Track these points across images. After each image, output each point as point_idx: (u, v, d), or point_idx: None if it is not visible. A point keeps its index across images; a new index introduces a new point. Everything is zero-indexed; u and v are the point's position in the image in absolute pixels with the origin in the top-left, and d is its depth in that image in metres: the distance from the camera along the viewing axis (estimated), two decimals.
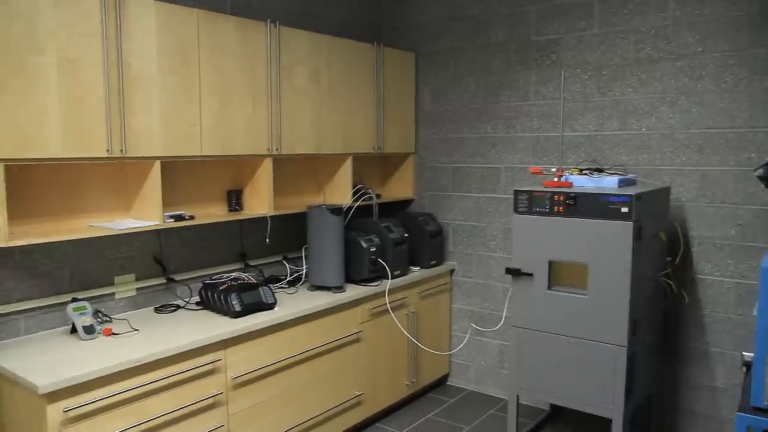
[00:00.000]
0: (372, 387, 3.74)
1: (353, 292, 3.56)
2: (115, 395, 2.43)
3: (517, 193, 3.12)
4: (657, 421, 3.65)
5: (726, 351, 3.42)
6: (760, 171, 2.09)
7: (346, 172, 3.94)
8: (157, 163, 2.88)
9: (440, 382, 4.52)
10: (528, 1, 3.91)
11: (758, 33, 3.19)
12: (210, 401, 2.80)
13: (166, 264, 3.29)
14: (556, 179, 3.14)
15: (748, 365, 2.46)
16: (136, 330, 2.84)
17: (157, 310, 3.17)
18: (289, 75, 3.47)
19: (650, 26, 3.50)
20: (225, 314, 3.06)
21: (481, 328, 4.33)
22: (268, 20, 3.34)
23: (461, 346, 4.44)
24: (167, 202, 3.24)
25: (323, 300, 3.36)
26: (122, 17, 2.68)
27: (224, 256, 3.59)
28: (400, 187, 4.58)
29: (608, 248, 2.86)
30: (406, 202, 4.61)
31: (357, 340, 3.60)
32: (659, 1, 3.46)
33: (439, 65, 4.34)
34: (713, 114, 3.35)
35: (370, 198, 4.02)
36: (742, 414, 2.20)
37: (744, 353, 2.50)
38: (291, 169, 3.92)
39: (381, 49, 4.09)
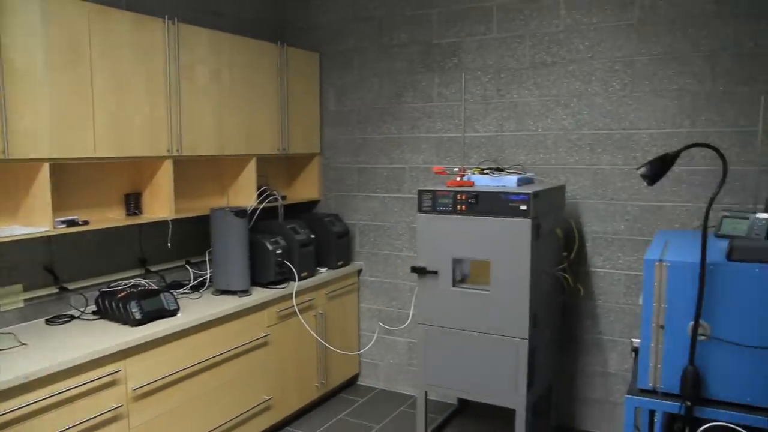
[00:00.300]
0: (281, 391, 3.70)
1: (259, 295, 3.50)
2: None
3: (421, 192, 3.18)
4: (557, 409, 3.83)
5: (617, 339, 3.64)
6: (643, 170, 2.23)
7: (250, 173, 3.86)
8: (46, 165, 2.71)
9: (350, 383, 4.53)
10: (430, 5, 4.00)
11: (640, 41, 3.41)
12: (110, 415, 2.67)
13: (59, 272, 3.11)
14: (458, 179, 3.23)
15: (636, 351, 2.62)
16: (24, 344, 2.66)
17: (49, 321, 2.98)
18: (189, 74, 3.36)
19: (544, 32, 3.66)
20: (124, 323, 2.93)
21: (390, 327, 4.38)
22: (166, 17, 3.22)
23: (370, 345, 4.47)
24: (59, 206, 3.05)
25: (228, 304, 3.29)
26: (0, 9, 2.51)
27: (123, 263, 3.44)
28: (305, 188, 4.56)
29: (509, 245, 2.97)
30: (313, 203, 4.59)
31: (264, 344, 3.54)
32: (552, 9, 3.62)
33: (344, 65, 4.35)
34: (602, 116, 3.55)
35: (276, 199, 3.97)
36: (630, 396, 2.35)
37: (633, 340, 2.66)
38: (193, 171, 3.80)
39: (285, 48, 4.04)
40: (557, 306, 3.56)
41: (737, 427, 2.22)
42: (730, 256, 2.20)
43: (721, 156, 2.12)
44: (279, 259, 3.65)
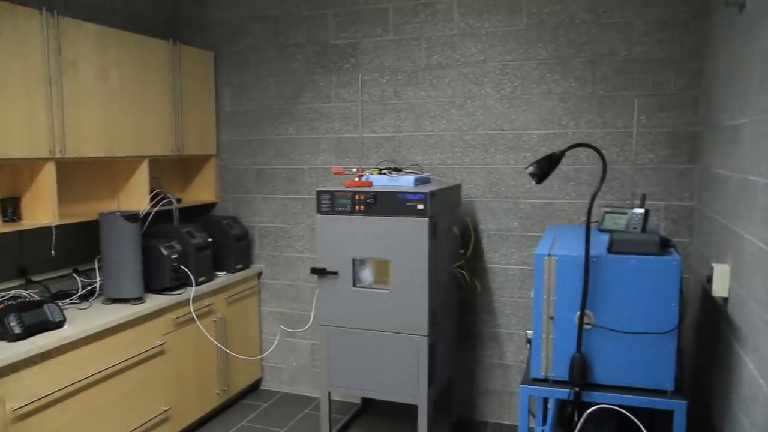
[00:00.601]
0: (180, 400, 3.57)
1: (154, 302, 3.36)
2: None
3: (319, 193, 3.17)
4: (458, 403, 3.94)
5: (513, 331, 3.79)
6: (531, 169, 2.34)
7: (142, 176, 3.70)
8: None
9: (253, 388, 4.45)
10: (326, 5, 3.99)
11: (528, 46, 3.57)
12: None
13: None
14: (357, 179, 3.24)
15: (530, 342, 2.74)
16: None
17: None
18: (72, 71, 3.17)
19: (439, 35, 3.75)
20: (2, 338, 2.72)
21: (292, 329, 4.34)
22: (44, 9, 3.02)
23: (272, 348, 4.41)
24: None
25: (121, 313, 3.14)
26: None
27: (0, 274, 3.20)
28: (202, 191, 4.42)
29: (407, 244, 3.02)
30: (210, 206, 4.47)
31: (161, 353, 3.40)
32: (446, 13, 3.72)
33: (240, 65, 4.26)
34: (495, 117, 3.69)
35: (170, 203, 3.83)
36: (524, 386, 2.45)
37: (527, 331, 2.78)
38: (81, 174, 3.60)
39: (177, 46, 3.91)
40: (455, 302, 3.66)
41: (620, 408, 2.37)
42: (610, 249, 2.35)
43: (601, 155, 2.26)
44: (174, 264, 3.52)
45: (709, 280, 2.49)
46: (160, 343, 3.39)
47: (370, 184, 3.20)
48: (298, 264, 4.27)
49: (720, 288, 2.39)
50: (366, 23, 3.91)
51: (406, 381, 3.10)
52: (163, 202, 3.80)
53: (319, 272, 3.19)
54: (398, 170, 3.44)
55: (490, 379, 3.87)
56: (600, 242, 2.54)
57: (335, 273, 3.17)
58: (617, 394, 2.33)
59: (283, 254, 4.30)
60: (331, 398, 3.41)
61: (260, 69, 4.21)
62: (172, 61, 3.87)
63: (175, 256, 3.54)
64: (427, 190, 2.97)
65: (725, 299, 2.41)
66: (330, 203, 3.15)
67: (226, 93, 4.33)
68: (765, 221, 1.91)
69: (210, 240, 3.84)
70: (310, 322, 4.28)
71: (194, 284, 3.67)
